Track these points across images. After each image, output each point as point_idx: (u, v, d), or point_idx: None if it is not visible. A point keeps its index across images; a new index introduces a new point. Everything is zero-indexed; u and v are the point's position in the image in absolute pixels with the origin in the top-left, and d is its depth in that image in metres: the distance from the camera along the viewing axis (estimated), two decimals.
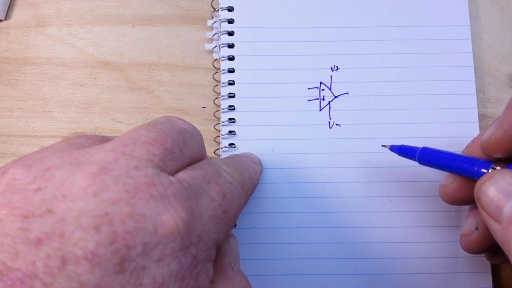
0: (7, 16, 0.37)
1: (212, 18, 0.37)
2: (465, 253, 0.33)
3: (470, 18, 0.35)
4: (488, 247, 0.28)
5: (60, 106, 0.36)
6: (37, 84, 0.36)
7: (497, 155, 0.25)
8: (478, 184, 0.24)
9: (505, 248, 0.22)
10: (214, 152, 0.35)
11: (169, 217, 0.19)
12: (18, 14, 0.37)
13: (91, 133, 0.36)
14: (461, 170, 0.27)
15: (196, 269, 0.20)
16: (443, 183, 0.30)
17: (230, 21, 0.36)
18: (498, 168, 0.25)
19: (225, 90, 0.35)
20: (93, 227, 0.18)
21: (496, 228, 0.23)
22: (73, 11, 0.37)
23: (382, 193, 0.34)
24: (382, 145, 0.32)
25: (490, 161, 0.26)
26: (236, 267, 0.24)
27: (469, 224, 0.31)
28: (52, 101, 0.36)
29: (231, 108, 0.35)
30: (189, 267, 0.20)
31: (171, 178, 0.21)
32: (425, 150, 0.29)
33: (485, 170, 0.26)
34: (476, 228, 0.29)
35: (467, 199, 0.29)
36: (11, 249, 0.17)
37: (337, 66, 0.35)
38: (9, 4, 0.37)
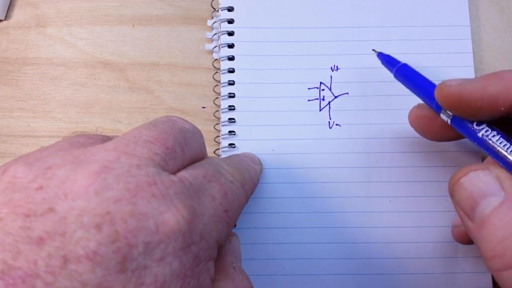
0: (7, 16, 0.37)
1: (212, 18, 0.37)
2: (465, 253, 0.33)
3: (470, 18, 0.36)
4: None
5: (60, 106, 0.36)
6: (37, 84, 0.36)
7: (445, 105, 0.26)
8: (452, 180, 0.24)
9: (478, 246, 0.22)
10: (214, 152, 0.35)
11: (171, 216, 0.19)
12: (18, 14, 0.37)
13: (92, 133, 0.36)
14: (425, 95, 0.28)
15: (197, 268, 0.20)
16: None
17: (230, 21, 0.36)
18: (447, 113, 0.26)
19: (225, 90, 0.35)
20: (95, 226, 0.18)
21: (470, 226, 0.23)
22: (73, 11, 0.37)
23: (382, 193, 0.34)
24: (372, 49, 0.32)
25: None
26: (238, 266, 0.24)
27: None
28: (52, 101, 0.36)
29: (231, 108, 0.35)
30: (191, 266, 0.20)
31: (173, 177, 0.21)
32: (404, 66, 0.29)
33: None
34: None
35: None
36: (13, 248, 0.17)
37: (337, 66, 0.35)
38: (9, 4, 0.37)
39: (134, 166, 0.20)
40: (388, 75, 0.35)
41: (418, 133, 0.30)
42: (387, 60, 0.31)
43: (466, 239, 0.30)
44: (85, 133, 0.34)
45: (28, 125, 0.36)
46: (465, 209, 0.23)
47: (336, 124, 0.35)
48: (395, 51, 0.35)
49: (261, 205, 0.34)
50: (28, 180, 0.19)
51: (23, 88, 0.36)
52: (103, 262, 0.17)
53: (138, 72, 0.36)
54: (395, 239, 0.33)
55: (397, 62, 0.30)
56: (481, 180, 0.22)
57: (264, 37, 0.36)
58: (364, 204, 0.34)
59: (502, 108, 0.23)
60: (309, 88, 0.35)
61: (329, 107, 0.35)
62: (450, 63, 0.35)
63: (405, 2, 0.36)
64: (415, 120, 0.30)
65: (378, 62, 0.35)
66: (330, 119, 0.35)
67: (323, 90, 0.35)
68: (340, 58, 0.35)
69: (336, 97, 0.35)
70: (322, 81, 0.35)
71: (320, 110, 0.35)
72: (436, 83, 0.26)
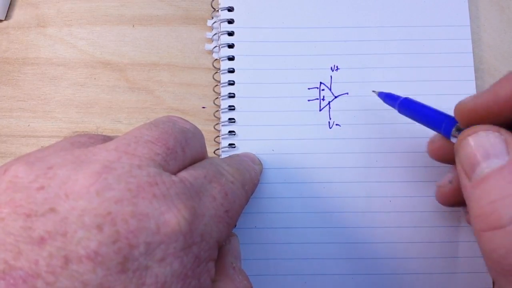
0: (7, 16, 0.37)
1: (212, 18, 0.37)
2: (465, 253, 0.33)
3: (470, 18, 0.36)
4: (460, 201, 0.27)
5: (60, 106, 0.36)
6: (37, 84, 0.36)
7: (464, 121, 0.25)
8: (460, 137, 0.23)
9: (469, 205, 0.22)
10: (214, 152, 0.35)
11: (172, 217, 0.19)
12: (18, 14, 0.37)
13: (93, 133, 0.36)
14: (432, 124, 0.27)
15: (198, 268, 0.20)
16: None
17: (230, 21, 0.36)
18: (465, 129, 0.24)
19: (225, 90, 0.35)
20: (96, 226, 0.18)
21: (466, 184, 0.22)
22: (73, 11, 0.37)
23: (382, 193, 0.34)
24: (372, 91, 0.32)
25: (456, 122, 0.25)
26: (238, 266, 0.24)
27: (446, 177, 0.30)
28: (52, 101, 0.36)
29: (231, 108, 0.35)
30: (192, 267, 0.20)
31: (174, 177, 0.21)
32: (405, 100, 0.29)
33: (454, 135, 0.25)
34: (450, 182, 0.28)
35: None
36: (14, 248, 0.17)
37: (337, 66, 0.35)
38: (9, 4, 0.37)
39: (135, 166, 0.20)
40: (388, 75, 0.35)
41: (440, 163, 0.30)
42: (389, 97, 0.31)
43: (448, 200, 0.29)
44: (86, 133, 0.34)
45: (28, 125, 0.36)
46: (465, 166, 0.22)
47: (336, 124, 0.35)
48: (395, 51, 0.35)
49: (261, 205, 0.34)
50: (29, 180, 0.19)
51: (23, 88, 0.36)
52: (104, 262, 0.17)
53: (138, 72, 0.36)
54: (395, 239, 0.34)
55: (398, 97, 0.30)
56: (489, 140, 0.22)
57: (264, 37, 0.36)
58: (364, 204, 0.34)
59: None
60: (309, 88, 0.35)
61: (329, 107, 0.35)
62: (450, 63, 0.35)
63: (405, 2, 0.36)
64: (434, 153, 0.29)
65: (378, 62, 0.35)
66: (330, 119, 0.35)
67: (323, 90, 0.35)
68: (340, 58, 0.35)
69: (336, 97, 0.35)
70: (322, 81, 0.35)
71: (320, 110, 0.35)
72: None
